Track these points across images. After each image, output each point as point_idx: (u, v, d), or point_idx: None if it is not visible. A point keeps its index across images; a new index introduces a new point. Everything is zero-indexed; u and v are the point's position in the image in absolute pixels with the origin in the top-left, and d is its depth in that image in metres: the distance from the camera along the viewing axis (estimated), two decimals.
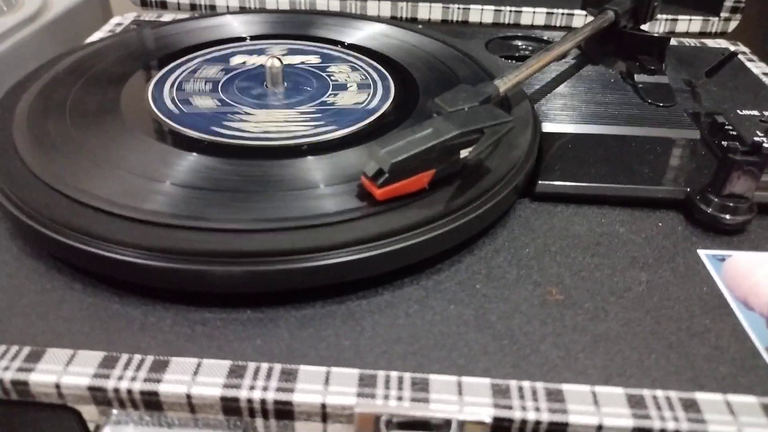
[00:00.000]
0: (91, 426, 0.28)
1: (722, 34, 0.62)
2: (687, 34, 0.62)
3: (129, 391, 0.26)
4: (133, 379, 0.26)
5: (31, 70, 0.43)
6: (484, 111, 0.32)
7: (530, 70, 0.38)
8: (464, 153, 0.32)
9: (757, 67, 0.54)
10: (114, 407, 0.26)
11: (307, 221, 0.29)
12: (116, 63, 0.43)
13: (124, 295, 0.30)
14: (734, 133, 0.42)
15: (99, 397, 0.26)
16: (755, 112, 0.47)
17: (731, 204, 0.35)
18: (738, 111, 0.47)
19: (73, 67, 0.42)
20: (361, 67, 0.44)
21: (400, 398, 0.26)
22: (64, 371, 0.26)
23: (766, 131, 0.42)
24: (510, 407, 0.25)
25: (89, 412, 0.27)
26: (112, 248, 0.29)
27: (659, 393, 0.26)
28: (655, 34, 0.49)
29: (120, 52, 0.45)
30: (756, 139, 0.36)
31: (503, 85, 0.35)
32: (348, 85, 0.42)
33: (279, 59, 0.40)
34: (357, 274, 0.30)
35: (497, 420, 0.25)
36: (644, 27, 0.52)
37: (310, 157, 0.34)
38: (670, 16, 0.61)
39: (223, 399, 0.26)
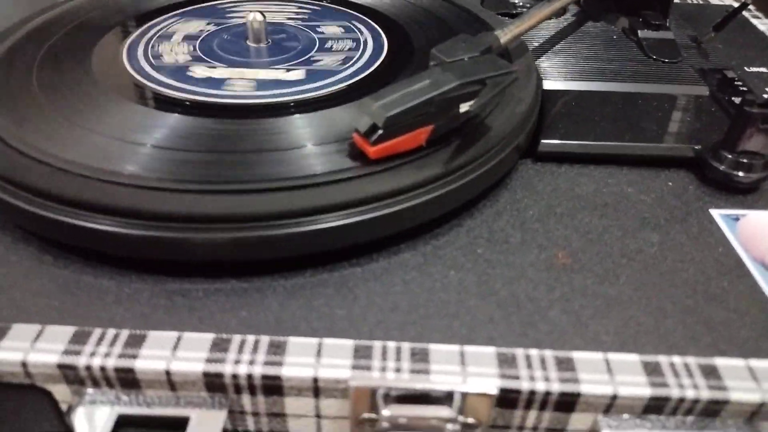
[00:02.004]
0: (64, 407, 0.25)
1: None
2: None
3: (102, 369, 0.24)
4: (107, 355, 0.24)
5: None
6: (485, 61, 0.29)
7: (532, 20, 0.35)
8: (464, 107, 0.29)
9: (763, 24, 0.52)
10: (87, 386, 0.24)
11: (295, 182, 0.27)
12: (86, 23, 0.40)
13: (97, 266, 0.28)
14: (744, 89, 0.40)
15: (70, 375, 0.24)
16: (764, 69, 0.45)
17: (745, 160, 0.33)
18: (746, 68, 0.45)
19: (42, 27, 0.39)
20: (348, 21, 0.42)
21: (398, 370, 0.24)
22: (31, 348, 0.24)
23: None
24: (517, 377, 0.23)
25: (61, 392, 0.25)
26: (83, 215, 0.26)
27: (677, 359, 0.25)
28: None
29: (90, 11, 0.42)
30: None
31: (504, 36, 0.33)
32: (336, 40, 0.39)
33: (261, 13, 0.37)
34: (349, 239, 0.28)
35: (504, 391, 0.23)
36: None
37: (297, 115, 0.32)
38: None
39: (206, 375, 0.23)
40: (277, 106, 0.32)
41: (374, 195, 0.27)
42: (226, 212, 0.26)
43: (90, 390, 0.25)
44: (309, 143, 0.30)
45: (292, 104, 0.32)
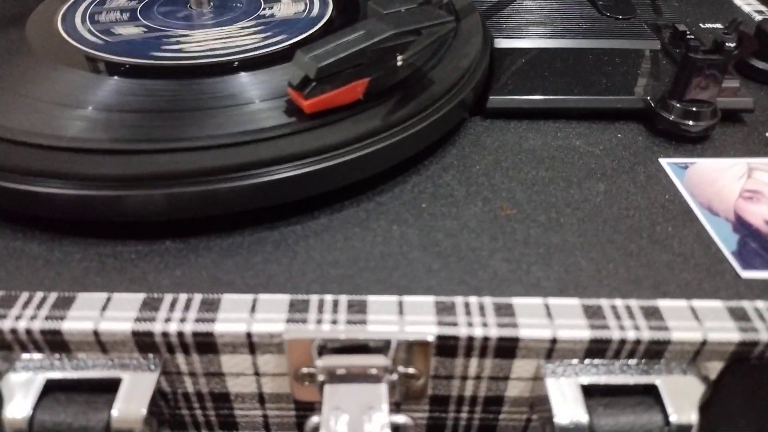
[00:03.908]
0: None
1: None
2: None
3: (28, 332, 0.23)
4: (33, 317, 0.23)
5: None
6: (421, 12, 0.29)
7: None
8: (401, 61, 0.29)
9: None
10: (15, 352, 0.24)
11: (229, 139, 0.26)
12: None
13: (27, 231, 0.27)
14: (696, 42, 0.40)
15: None
16: (718, 25, 0.44)
17: (694, 109, 0.32)
18: (700, 24, 0.45)
19: None
20: None
21: (334, 322, 0.23)
22: None
23: None
24: (455, 324, 0.23)
25: None
26: (9, 177, 0.25)
27: (618, 302, 0.24)
28: None
29: None
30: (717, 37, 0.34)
31: None
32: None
33: None
34: (286, 195, 0.27)
35: (441, 339, 0.23)
36: None
37: (237, 74, 0.31)
38: None
39: (135, 334, 0.23)
40: (215, 66, 0.32)
41: (311, 149, 0.27)
42: (159, 170, 0.25)
43: (22, 356, 0.24)
44: (247, 101, 0.29)
45: (235, 63, 0.32)
